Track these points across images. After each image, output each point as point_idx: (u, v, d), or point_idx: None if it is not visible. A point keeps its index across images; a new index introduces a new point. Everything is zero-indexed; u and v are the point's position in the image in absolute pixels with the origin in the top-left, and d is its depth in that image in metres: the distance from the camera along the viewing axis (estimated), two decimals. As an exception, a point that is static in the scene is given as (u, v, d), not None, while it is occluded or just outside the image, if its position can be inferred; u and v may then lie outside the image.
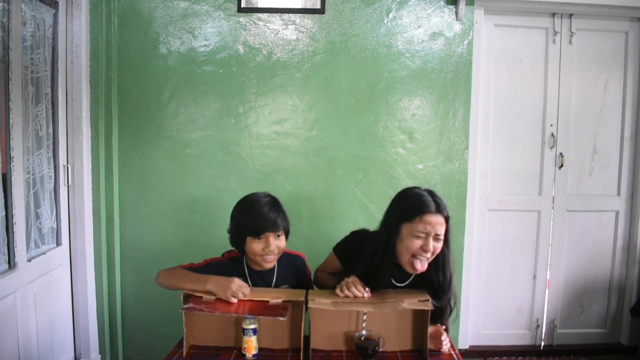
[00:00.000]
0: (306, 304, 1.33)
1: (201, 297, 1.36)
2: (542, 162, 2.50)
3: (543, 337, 2.60)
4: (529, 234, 2.54)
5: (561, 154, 2.49)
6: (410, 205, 1.38)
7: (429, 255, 1.36)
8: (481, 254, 2.51)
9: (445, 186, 2.36)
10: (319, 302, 1.32)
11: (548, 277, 2.58)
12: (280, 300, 1.35)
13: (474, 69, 2.33)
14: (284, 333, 1.37)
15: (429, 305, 1.30)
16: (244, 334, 1.31)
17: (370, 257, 1.43)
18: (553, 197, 2.53)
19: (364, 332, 1.33)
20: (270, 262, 1.48)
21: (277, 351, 1.37)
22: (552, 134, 2.48)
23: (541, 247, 2.54)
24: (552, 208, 2.53)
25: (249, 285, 1.42)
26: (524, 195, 2.52)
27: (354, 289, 1.34)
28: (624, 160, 2.52)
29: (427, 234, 1.34)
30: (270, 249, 1.44)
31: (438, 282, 1.41)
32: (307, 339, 1.35)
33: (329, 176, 2.34)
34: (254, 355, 1.32)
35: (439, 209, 1.35)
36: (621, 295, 2.58)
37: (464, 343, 2.52)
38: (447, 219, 1.37)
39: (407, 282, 1.48)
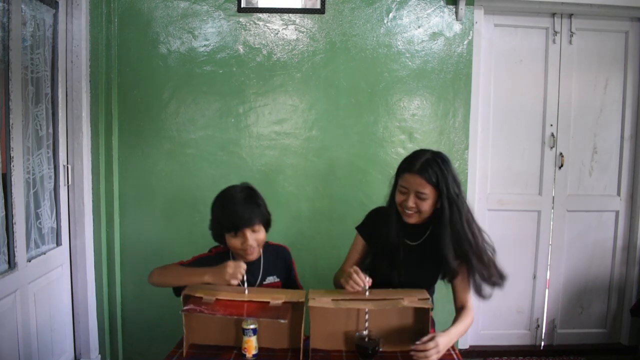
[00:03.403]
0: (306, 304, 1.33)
1: (201, 297, 1.36)
2: (542, 162, 2.50)
3: (543, 337, 2.60)
4: (529, 234, 2.54)
5: (561, 154, 2.49)
6: (403, 160, 1.49)
7: (410, 211, 1.45)
8: (481, 254, 2.51)
9: (445, 186, 2.36)
10: (319, 300, 1.31)
11: (548, 277, 2.58)
12: (280, 302, 1.34)
13: (474, 69, 2.33)
14: (283, 333, 1.37)
15: (429, 304, 1.30)
16: (243, 334, 1.31)
17: (385, 215, 1.54)
18: (553, 197, 2.53)
19: (364, 332, 1.33)
20: (252, 254, 1.48)
21: (277, 351, 1.37)
22: (552, 134, 2.48)
23: (541, 247, 2.54)
24: (552, 208, 2.53)
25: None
26: (524, 195, 2.52)
27: (355, 276, 1.35)
28: (624, 160, 2.52)
29: (409, 191, 1.43)
30: (248, 243, 1.45)
31: (448, 238, 1.43)
32: (307, 338, 1.35)
33: (329, 176, 2.34)
34: (254, 355, 1.32)
35: (421, 171, 1.41)
36: (621, 295, 2.58)
37: (464, 343, 2.52)
38: (433, 184, 1.40)
39: (420, 241, 1.54)
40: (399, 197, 1.47)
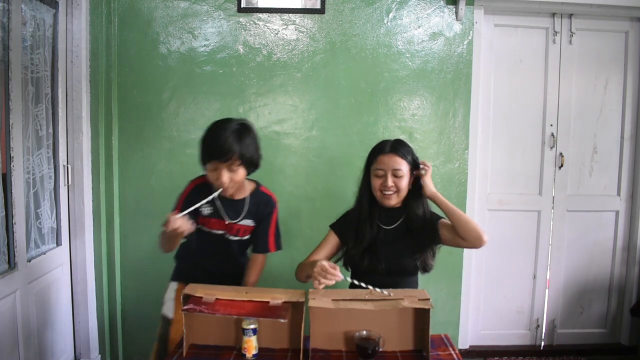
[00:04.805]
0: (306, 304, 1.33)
1: (201, 297, 1.36)
2: (542, 162, 2.50)
3: (543, 337, 2.60)
4: (529, 234, 2.54)
5: (561, 154, 2.49)
6: (372, 150, 1.62)
7: (389, 192, 1.54)
8: (481, 254, 2.51)
9: (445, 186, 2.36)
10: (319, 300, 1.32)
11: (548, 277, 2.58)
12: (280, 302, 1.35)
13: (474, 69, 2.33)
14: (283, 333, 1.37)
15: (429, 304, 1.30)
16: (243, 334, 1.31)
17: (357, 209, 1.63)
18: (553, 197, 2.53)
19: (364, 332, 1.33)
20: (227, 191, 1.49)
21: (277, 351, 1.37)
22: (552, 134, 2.48)
23: (541, 247, 2.54)
24: (552, 208, 2.53)
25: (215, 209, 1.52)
26: (524, 195, 2.52)
27: (329, 276, 1.34)
28: (624, 160, 2.52)
29: (385, 172, 1.53)
30: (221, 180, 1.42)
31: (422, 216, 1.59)
32: (307, 339, 1.35)
33: (329, 176, 2.34)
34: (253, 355, 1.32)
35: (394, 150, 1.55)
36: (621, 295, 2.58)
37: (464, 343, 2.52)
38: (407, 160, 1.55)
39: (395, 225, 1.60)
40: (376, 182, 1.56)
